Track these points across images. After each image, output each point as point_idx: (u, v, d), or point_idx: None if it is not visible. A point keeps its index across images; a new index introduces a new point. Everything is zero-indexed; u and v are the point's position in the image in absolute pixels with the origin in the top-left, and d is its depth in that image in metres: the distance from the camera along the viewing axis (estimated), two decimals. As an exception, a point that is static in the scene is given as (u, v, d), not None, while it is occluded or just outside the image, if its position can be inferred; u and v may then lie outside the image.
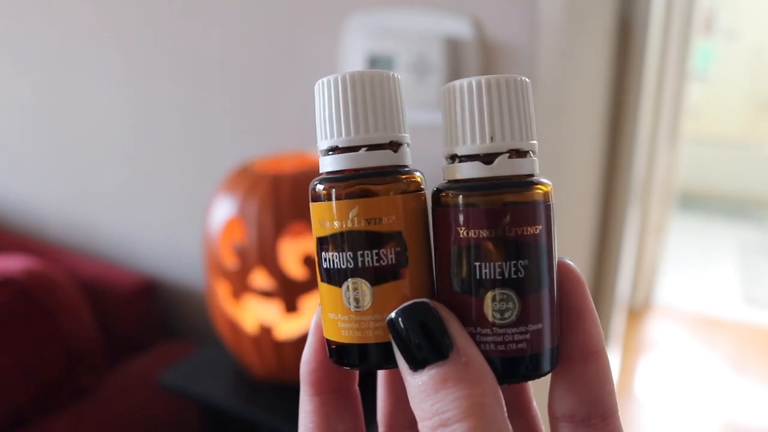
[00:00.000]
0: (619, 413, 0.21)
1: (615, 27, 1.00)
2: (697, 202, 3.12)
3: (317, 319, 0.22)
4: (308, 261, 0.60)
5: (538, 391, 0.23)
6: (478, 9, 0.60)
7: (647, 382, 1.62)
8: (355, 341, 0.20)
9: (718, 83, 3.16)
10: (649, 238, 1.87)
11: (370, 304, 0.20)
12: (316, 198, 0.21)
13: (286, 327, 0.61)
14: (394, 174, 0.20)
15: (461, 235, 0.19)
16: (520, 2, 0.58)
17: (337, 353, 0.21)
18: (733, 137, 3.22)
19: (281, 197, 0.59)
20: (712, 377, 1.64)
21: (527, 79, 0.20)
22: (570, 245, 0.88)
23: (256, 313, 0.62)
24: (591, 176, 1.01)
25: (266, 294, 0.60)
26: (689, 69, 1.68)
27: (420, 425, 0.18)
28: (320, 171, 0.22)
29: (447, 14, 0.61)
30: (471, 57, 0.60)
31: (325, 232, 0.20)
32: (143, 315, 0.94)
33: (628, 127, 1.09)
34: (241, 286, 0.61)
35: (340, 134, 0.21)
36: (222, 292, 0.63)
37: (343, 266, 0.20)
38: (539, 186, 0.20)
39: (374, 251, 0.20)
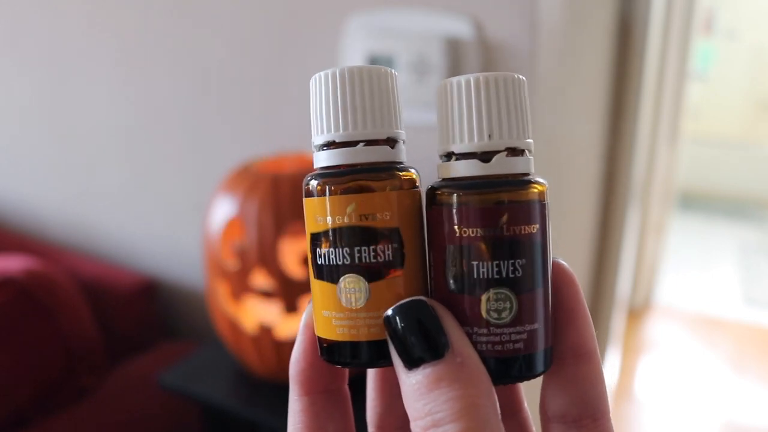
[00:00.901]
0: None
1: (615, 27, 1.00)
2: (697, 202, 3.12)
3: (307, 317, 0.22)
4: (308, 261, 0.60)
5: (529, 392, 0.23)
6: (478, 9, 0.60)
7: (647, 382, 1.61)
8: (350, 339, 0.20)
9: (718, 83, 3.16)
10: (649, 238, 1.87)
11: (366, 301, 0.20)
12: (311, 194, 0.20)
13: (286, 327, 0.61)
14: (390, 170, 0.20)
15: (458, 234, 0.19)
16: (520, 2, 0.57)
17: (329, 351, 0.21)
18: (733, 137, 3.22)
19: (281, 197, 0.59)
20: (712, 377, 1.64)
21: (523, 77, 0.20)
22: (570, 245, 0.88)
23: (256, 313, 0.62)
24: (591, 176, 1.01)
25: (266, 294, 0.60)
26: (689, 69, 1.68)
27: (412, 425, 0.17)
28: (314, 166, 0.21)
29: (447, 14, 0.61)
30: (471, 57, 0.60)
31: (321, 228, 0.20)
32: (143, 315, 0.94)
33: (628, 127, 1.09)
34: (241, 286, 0.61)
35: (337, 129, 0.20)
36: (222, 292, 0.63)
37: (339, 262, 0.20)
38: (535, 185, 0.19)
39: (371, 247, 0.19)
